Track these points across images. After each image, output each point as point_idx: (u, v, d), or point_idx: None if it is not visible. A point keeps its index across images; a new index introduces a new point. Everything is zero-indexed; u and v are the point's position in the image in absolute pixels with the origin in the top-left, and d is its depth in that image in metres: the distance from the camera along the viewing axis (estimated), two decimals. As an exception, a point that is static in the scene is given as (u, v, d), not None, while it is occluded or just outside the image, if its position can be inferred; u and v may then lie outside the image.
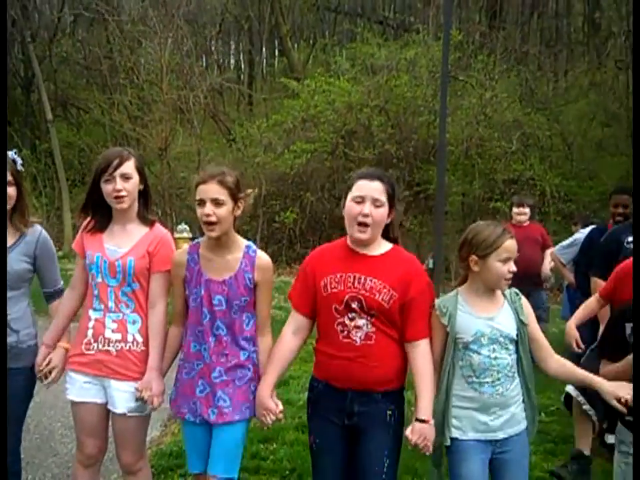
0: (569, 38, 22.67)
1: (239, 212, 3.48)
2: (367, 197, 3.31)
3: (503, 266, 3.40)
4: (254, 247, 3.58)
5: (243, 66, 27.11)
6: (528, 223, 8.41)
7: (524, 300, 3.55)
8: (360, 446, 3.40)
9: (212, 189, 3.38)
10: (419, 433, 3.30)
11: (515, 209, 8.39)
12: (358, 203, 3.32)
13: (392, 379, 3.42)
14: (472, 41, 17.85)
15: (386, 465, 3.36)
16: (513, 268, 3.42)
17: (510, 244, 3.40)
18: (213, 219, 3.38)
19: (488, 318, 3.43)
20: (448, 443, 3.45)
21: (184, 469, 4.67)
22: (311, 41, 23.79)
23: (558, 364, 3.50)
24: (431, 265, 11.76)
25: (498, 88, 16.20)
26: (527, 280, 7.66)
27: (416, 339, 3.39)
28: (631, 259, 4.21)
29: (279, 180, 16.30)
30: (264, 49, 27.88)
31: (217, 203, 3.38)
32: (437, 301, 3.49)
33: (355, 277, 3.34)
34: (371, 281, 3.32)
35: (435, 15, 18.26)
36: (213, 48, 27.56)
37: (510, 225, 8.45)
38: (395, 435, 3.42)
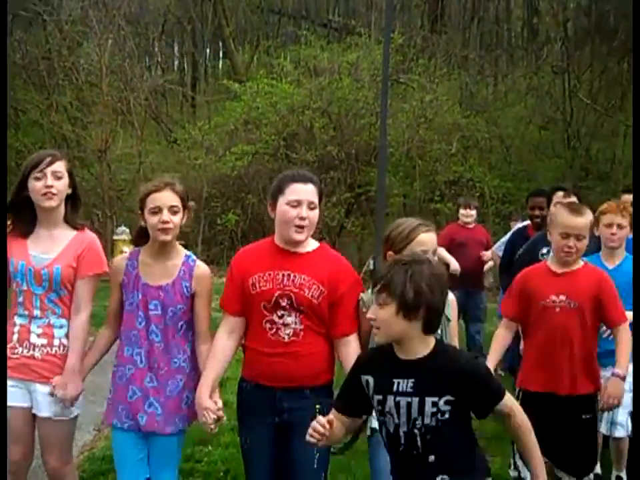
0: (508, 43, 23.02)
1: (184, 220, 3.54)
2: (303, 201, 3.35)
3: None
4: (194, 256, 3.63)
5: (186, 68, 26.89)
6: (474, 224, 8.51)
7: (451, 297, 3.54)
8: (290, 442, 3.40)
9: (168, 197, 3.45)
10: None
11: (461, 210, 8.44)
12: (294, 206, 3.34)
13: (320, 375, 3.45)
14: (413, 45, 18.02)
15: (316, 459, 3.38)
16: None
17: (425, 237, 3.44)
18: (171, 225, 3.43)
19: None
20: (368, 433, 3.50)
21: (114, 474, 4.63)
22: (255, 43, 23.71)
23: None
24: (371, 266, 11.84)
25: (439, 91, 16.38)
26: (468, 280, 7.81)
27: (346, 335, 3.43)
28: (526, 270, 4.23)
29: (221, 182, 16.24)
30: (207, 51, 27.73)
31: (173, 210, 3.44)
32: (362, 295, 3.52)
33: (284, 275, 3.36)
34: (301, 277, 3.35)
35: (377, 19, 18.39)
36: (155, 49, 27.33)
37: (457, 226, 8.55)
38: None
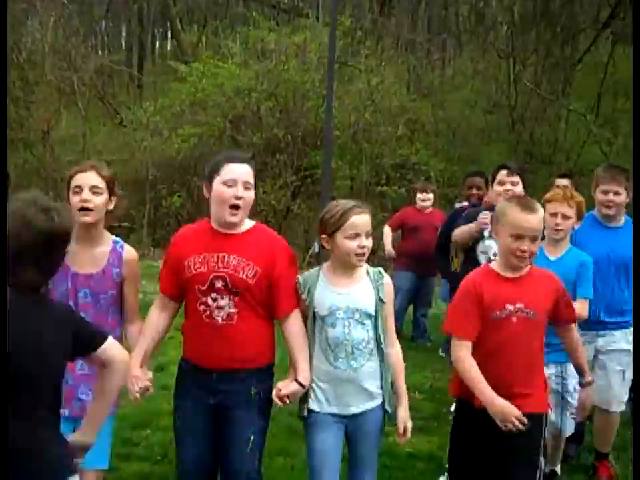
0: (456, 27, 23.16)
1: (111, 206, 3.54)
2: (239, 180, 3.35)
3: (351, 242, 3.43)
4: (121, 242, 3.62)
5: (132, 48, 26.50)
6: (431, 209, 8.56)
7: (387, 279, 3.61)
8: (225, 425, 3.43)
9: (90, 177, 3.46)
10: (292, 391, 3.41)
11: (419, 195, 8.57)
12: (230, 186, 3.34)
13: (257, 358, 3.46)
14: (360, 27, 18.03)
15: (251, 442, 3.40)
16: (364, 243, 3.44)
17: (357, 219, 3.43)
18: (91, 205, 3.42)
19: (344, 293, 3.48)
20: (305, 413, 3.52)
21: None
22: (202, 24, 23.44)
23: (396, 358, 3.63)
24: (317, 249, 11.88)
25: (386, 74, 16.41)
26: (422, 264, 7.91)
27: (287, 313, 3.46)
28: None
29: (166, 164, 16.08)
30: (156, 31, 27.36)
31: (95, 191, 3.44)
32: (299, 277, 3.56)
33: (218, 257, 3.37)
34: (235, 259, 3.36)
35: (326, 1, 18.33)
36: (103, 28, 26.88)
37: (413, 209, 8.62)
38: (260, 412, 3.46)
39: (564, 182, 7.29)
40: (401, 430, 3.53)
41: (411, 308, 8.82)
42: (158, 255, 13.68)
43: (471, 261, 5.12)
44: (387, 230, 8.77)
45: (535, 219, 3.47)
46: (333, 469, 3.49)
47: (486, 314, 3.46)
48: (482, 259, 5.01)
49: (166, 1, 21.89)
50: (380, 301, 3.52)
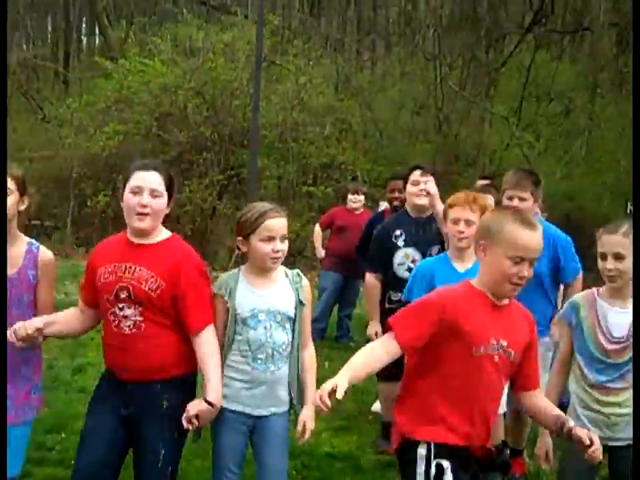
0: (385, 28, 23.40)
1: (22, 207, 3.45)
2: (145, 188, 3.30)
3: (266, 245, 3.43)
4: (36, 243, 3.54)
5: (58, 43, 25.95)
6: (362, 210, 8.56)
7: (305, 281, 3.61)
8: (137, 438, 3.38)
9: None
10: (201, 411, 3.32)
11: (350, 196, 8.52)
12: (135, 193, 3.30)
13: (168, 369, 3.40)
14: (288, 27, 18.06)
15: (161, 457, 3.35)
16: (279, 247, 3.44)
17: (272, 223, 3.42)
18: None
19: (265, 295, 3.48)
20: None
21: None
22: (130, 20, 23.11)
23: (309, 359, 3.63)
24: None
25: (314, 74, 16.47)
26: (348, 265, 7.92)
27: (197, 330, 3.39)
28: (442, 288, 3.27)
29: (91, 162, 15.83)
30: (83, 26, 26.83)
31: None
32: (218, 279, 3.55)
33: (126, 267, 3.33)
34: (140, 269, 3.31)
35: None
36: (29, 22, 26.26)
37: (343, 210, 8.62)
38: (174, 426, 3.38)
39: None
40: (300, 428, 3.49)
41: (336, 308, 8.85)
42: (82, 254, 13.46)
43: (390, 277, 5.11)
44: (317, 229, 8.84)
45: (537, 237, 2.95)
46: (236, 467, 3.52)
47: (466, 348, 2.89)
48: (401, 272, 5.03)
49: (93, -5, 21.51)
50: (300, 304, 3.53)
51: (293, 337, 3.51)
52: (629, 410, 3.52)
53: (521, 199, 4.63)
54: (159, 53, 16.57)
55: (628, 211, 12.56)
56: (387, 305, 5.17)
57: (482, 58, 16.83)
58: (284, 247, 3.46)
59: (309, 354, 3.62)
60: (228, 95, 15.64)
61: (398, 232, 5.14)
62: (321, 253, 8.69)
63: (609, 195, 15.39)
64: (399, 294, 4.83)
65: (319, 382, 6.59)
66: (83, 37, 27.01)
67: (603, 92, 17.20)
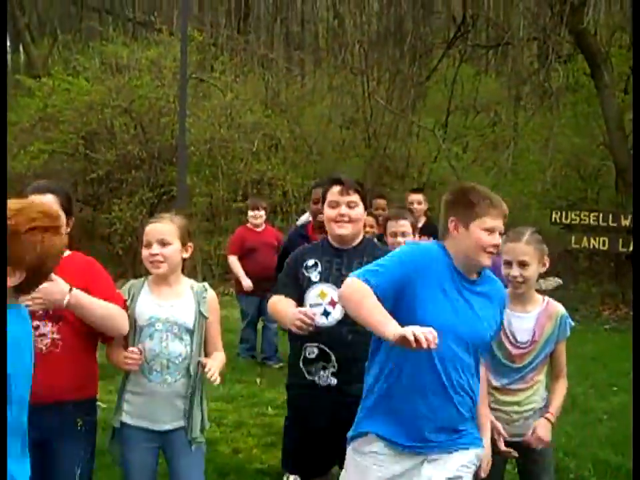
0: (313, 43, 23.50)
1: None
2: None
3: (145, 250, 3.51)
4: None
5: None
6: (264, 226, 8.47)
7: (211, 294, 3.63)
8: (51, 459, 3.31)
9: None
10: None
11: (250, 212, 8.42)
12: None
13: (82, 388, 3.37)
14: (214, 44, 18.04)
15: (77, 475, 3.31)
16: (154, 251, 3.49)
17: (148, 228, 3.54)
18: None
19: (165, 305, 3.49)
20: (118, 425, 3.51)
21: None
22: (54, 37, 22.71)
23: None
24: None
25: (241, 90, 16.46)
26: (263, 285, 7.55)
27: (110, 338, 3.43)
28: None
29: (17, 182, 15.43)
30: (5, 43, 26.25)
31: None
32: (126, 284, 3.58)
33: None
34: None
35: (179, 16, 18.16)
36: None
37: (245, 229, 8.53)
38: (86, 443, 3.39)
39: (417, 197, 7.52)
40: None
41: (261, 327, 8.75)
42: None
43: None
44: (232, 260, 8.44)
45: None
46: None
47: None
48: (317, 318, 3.80)
49: (13, 12, 21.04)
50: (201, 316, 3.52)
51: (191, 349, 3.49)
52: (527, 407, 3.73)
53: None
54: (83, 70, 16.34)
55: (552, 220, 12.86)
56: (302, 369, 3.80)
57: (407, 72, 17.03)
58: (165, 250, 3.48)
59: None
60: (156, 112, 15.52)
61: (311, 261, 3.86)
62: (249, 283, 8.25)
63: (536, 204, 15.72)
64: (315, 349, 3.72)
65: (251, 398, 6.53)
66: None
67: (527, 104, 17.58)
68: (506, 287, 3.65)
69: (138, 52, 16.42)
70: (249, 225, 8.44)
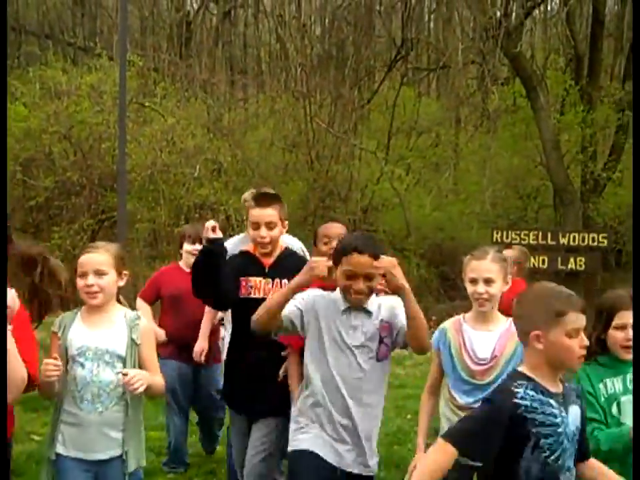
0: (256, 67, 23.61)
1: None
2: None
3: (79, 280, 3.49)
4: None
5: None
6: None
7: (143, 322, 3.62)
8: None
9: None
10: None
11: (187, 246, 5.82)
12: None
13: None
14: (155, 68, 17.99)
15: None
16: (90, 281, 3.47)
17: (82, 259, 3.52)
18: None
19: (96, 333, 3.47)
20: (53, 457, 3.46)
21: None
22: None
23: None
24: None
25: (183, 115, 16.40)
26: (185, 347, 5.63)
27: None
28: None
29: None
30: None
31: None
32: (58, 317, 3.55)
33: None
34: None
35: (118, 40, 18.05)
36: None
37: (178, 270, 5.92)
38: None
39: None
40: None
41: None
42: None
43: None
44: (140, 304, 5.74)
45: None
46: None
47: None
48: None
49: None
50: (133, 343, 3.50)
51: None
52: None
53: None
54: (21, 95, 16.12)
55: (494, 240, 13.04)
56: None
57: (349, 95, 17.21)
58: (101, 281, 3.47)
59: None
60: (96, 138, 15.37)
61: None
62: (161, 333, 5.58)
63: (478, 224, 15.96)
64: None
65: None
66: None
67: (466, 126, 17.91)
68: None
69: (77, 77, 16.25)
70: (181, 263, 5.84)
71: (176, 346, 5.58)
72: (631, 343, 3.42)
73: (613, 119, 15.85)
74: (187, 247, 5.64)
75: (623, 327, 3.44)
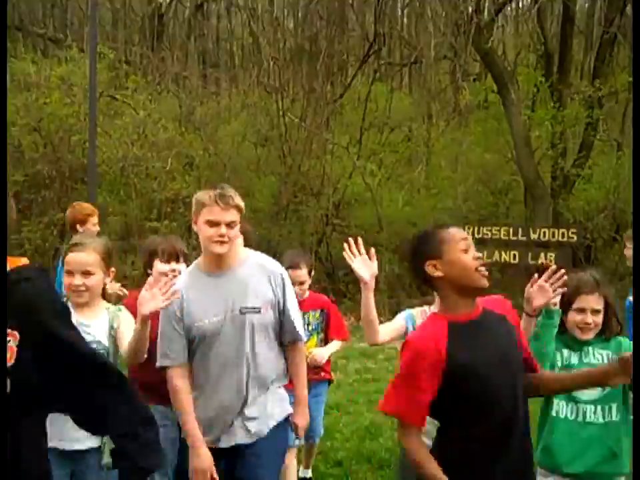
0: (229, 61, 23.55)
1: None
2: None
3: (67, 278, 3.56)
4: None
5: None
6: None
7: (125, 312, 3.69)
8: None
9: None
10: None
11: (161, 266, 4.82)
12: None
13: None
14: (126, 61, 17.85)
15: None
16: (76, 282, 3.53)
17: (69, 257, 3.57)
18: None
19: (84, 325, 3.47)
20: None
21: None
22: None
23: None
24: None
25: (156, 108, 16.30)
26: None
27: None
28: None
29: None
30: None
31: None
32: None
33: None
34: None
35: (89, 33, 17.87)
36: None
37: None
38: None
39: None
40: None
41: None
42: None
43: None
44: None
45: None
46: None
47: None
48: None
49: None
50: (112, 329, 3.59)
51: None
52: None
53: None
54: (-11, 88, 15.91)
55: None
56: None
57: (321, 90, 17.19)
58: (88, 281, 3.53)
59: None
60: (66, 130, 15.20)
61: None
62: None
63: (449, 220, 16.03)
64: None
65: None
66: None
67: (438, 121, 17.97)
68: None
69: (47, 69, 16.08)
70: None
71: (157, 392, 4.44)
72: (589, 325, 3.61)
73: (583, 116, 15.99)
74: (160, 266, 4.35)
75: (582, 310, 3.62)
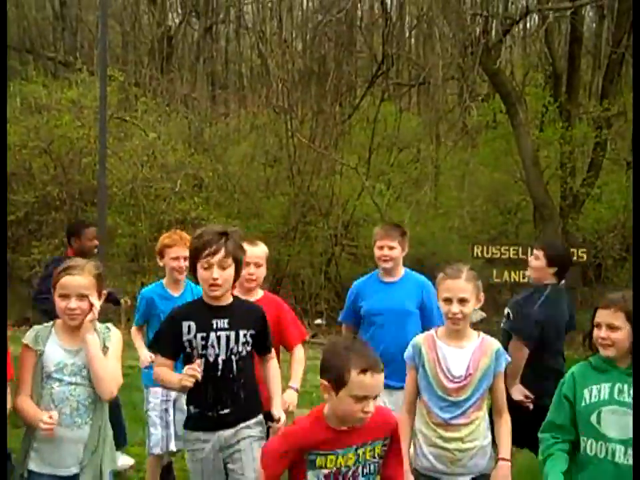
0: (238, 82, 23.66)
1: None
2: None
3: (61, 302, 3.52)
4: None
5: None
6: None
7: (114, 331, 3.69)
8: None
9: None
10: None
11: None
12: None
13: None
14: (135, 83, 17.96)
15: None
16: (72, 305, 3.50)
17: (65, 280, 3.53)
18: None
19: (72, 350, 3.51)
20: (25, 474, 3.46)
21: None
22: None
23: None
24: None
25: (165, 130, 16.38)
26: None
27: None
28: None
29: None
30: None
31: None
32: (30, 331, 3.56)
33: None
34: None
35: (98, 55, 18.01)
36: None
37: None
38: None
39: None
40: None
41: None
42: None
43: None
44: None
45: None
46: None
47: None
48: None
49: None
50: (105, 348, 3.57)
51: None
52: (471, 445, 3.75)
53: (390, 248, 5.21)
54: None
55: (474, 254, 13.08)
56: None
57: (330, 110, 17.25)
58: (83, 304, 3.51)
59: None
60: (76, 152, 15.31)
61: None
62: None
63: (457, 239, 16.01)
64: None
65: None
66: None
67: (446, 141, 18.00)
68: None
69: (58, 92, 16.20)
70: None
71: None
72: (605, 341, 3.50)
73: (591, 136, 15.99)
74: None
75: (598, 325, 3.55)
